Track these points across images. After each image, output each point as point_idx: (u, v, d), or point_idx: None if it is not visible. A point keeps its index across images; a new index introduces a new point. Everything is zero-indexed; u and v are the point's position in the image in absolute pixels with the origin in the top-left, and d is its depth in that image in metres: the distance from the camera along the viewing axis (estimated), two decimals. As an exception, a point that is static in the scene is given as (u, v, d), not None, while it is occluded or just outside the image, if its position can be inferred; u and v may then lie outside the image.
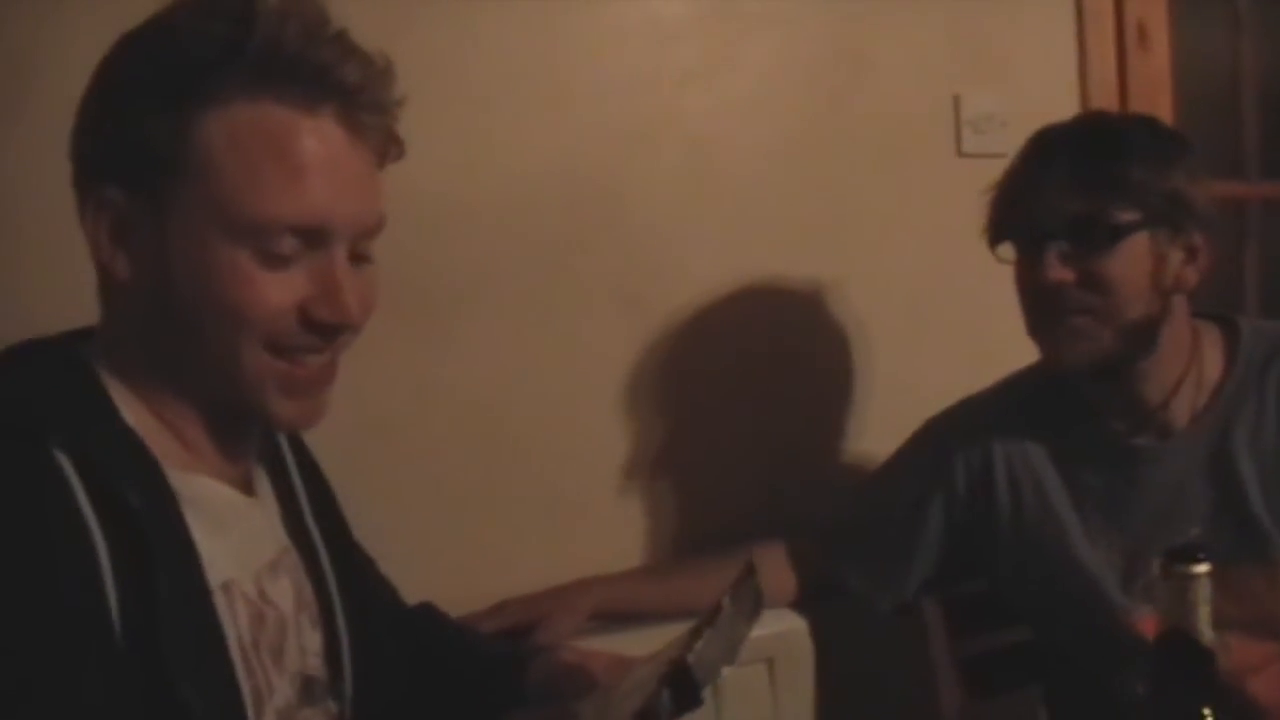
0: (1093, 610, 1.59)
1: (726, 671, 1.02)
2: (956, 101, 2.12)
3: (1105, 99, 2.21)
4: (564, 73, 1.82)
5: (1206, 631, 1.02)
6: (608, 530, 1.88)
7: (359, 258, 1.04)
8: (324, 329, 1.00)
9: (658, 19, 1.89)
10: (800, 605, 1.75)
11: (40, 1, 1.49)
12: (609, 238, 1.86)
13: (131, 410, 0.99)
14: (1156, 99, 2.25)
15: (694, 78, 1.91)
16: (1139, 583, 1.56)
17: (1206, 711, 1.03)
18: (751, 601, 1.09)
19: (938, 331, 2.10)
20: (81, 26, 1.47)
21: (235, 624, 1.00)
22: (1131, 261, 1.48)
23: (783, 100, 1.99)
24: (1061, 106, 2.14)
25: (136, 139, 0.95)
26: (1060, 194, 1.48)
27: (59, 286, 1.47)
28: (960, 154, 2.12)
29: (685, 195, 1.91)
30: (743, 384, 1.97)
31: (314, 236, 0.98)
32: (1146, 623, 1.54)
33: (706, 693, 0.98)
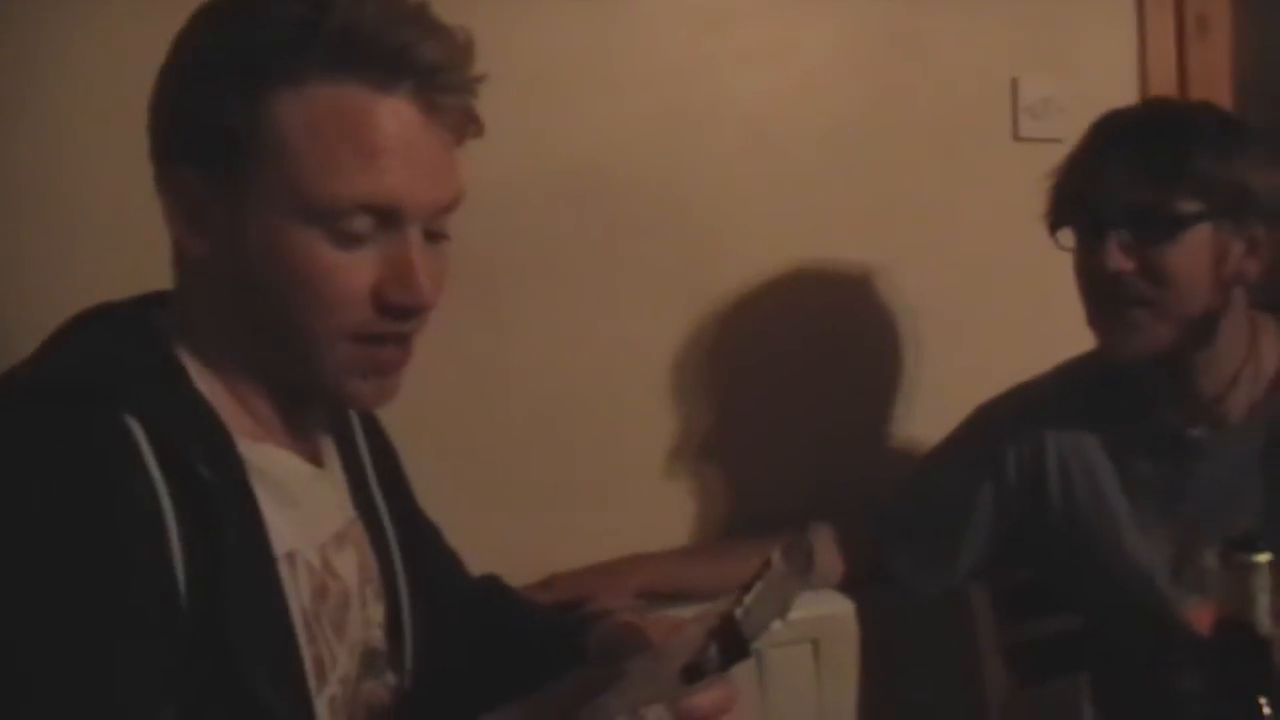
0: (1142, 600, 1.58)
1: (777, 625, 1.02)
2: (1014, 85, 2.10)
3: (1164, 87, 2.19)
4: (618, 56, 1.82)
5: (1265, 621, 1.01)
6: (656, 514, 1.89)
7: (435, 235, 1.03)
8: (399, 311, 0.99)
9: (712, 2, 1.89)
10: (847, 587, 1.75)
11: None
12: (661, 222, 1.86)
13: (203, 379, 1.00)
14: (1216, 88, 2.23)
15: (748, 61, 1.91)
16: (1189, 573, 1.55)
17: (1263, 701, 1.03)
18: (804, 559, 1.08)
19: (991, 317, 2.09)
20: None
21: (298, 594, 1.01)
22: (1193, 253, 1.47)
23: (838, 83, 1.98)
24: (1120, 92, 2.12)
25: (210, 120, 0.95)
26: (1123, 182, 1.47)
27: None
28: (1017, 138, 2.10)
29: (739, 179, 1.91)
30: (794, 368, 1.97)
31: (387, 216, 0.97)
32: (1196, 613, 1.53)
33: (756, 645, 0.99)
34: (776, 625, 1.01)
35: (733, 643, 0.97)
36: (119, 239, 1.51)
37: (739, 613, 0.97)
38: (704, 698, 0.98)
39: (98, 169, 1.51)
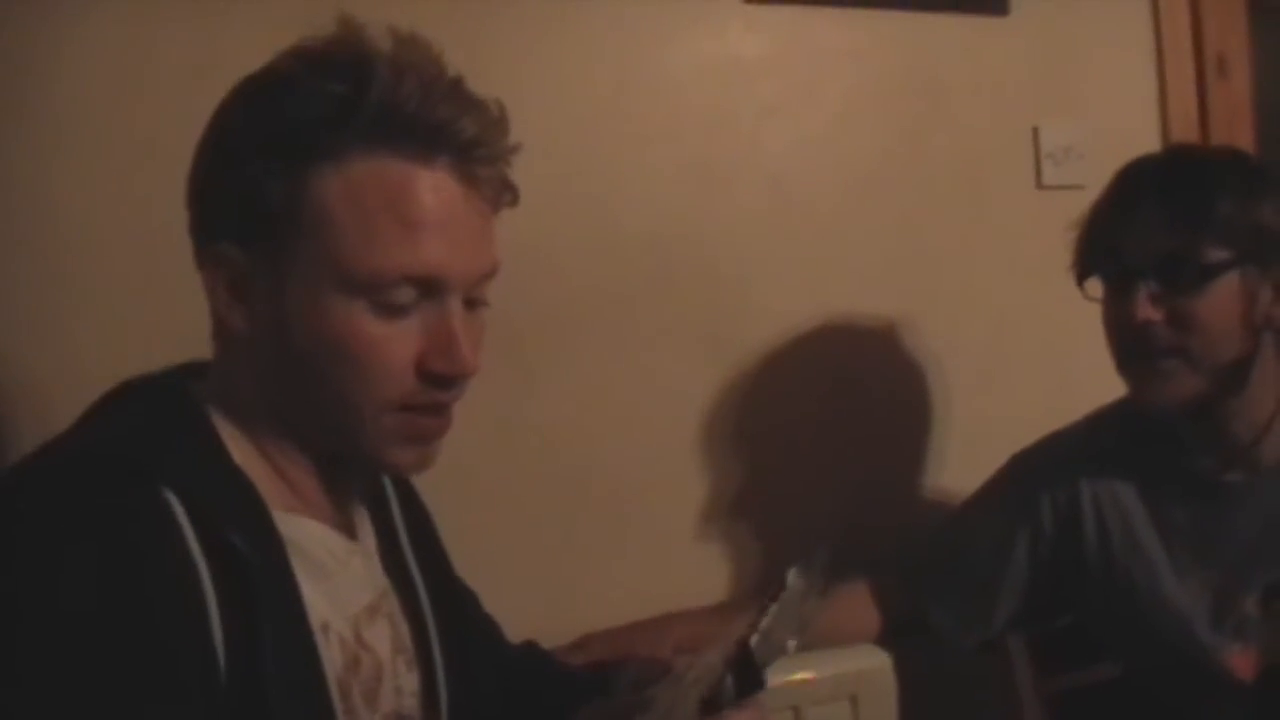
0: (1182, 647, 1.57)
1: (793, 645, 1.02)
2: (1035, 133, 2.11)
3: (1185, 130, 2.20)
4: (643, 111, 1.84)
5: (1308, 668, 1.01)
6: (689, 569, 1.89)
7: (474, 302, 1.05)
8: (442, 380, 1.01)
9: (735, 56, 1.91)
10: (884, 642, 1.74)
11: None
12: (688, 276, 1.87)
13: (240, 451, 1.01)
14: (1237, 129, 2.23)
15: (771, 114, 1.93)
16: (1229, 620, 1.54)
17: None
18: (820, 575, 1.08)
19: (1017, 366, 2.09)
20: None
21: (332, 666, 1.01)
22: (1222, 301, 1.46)
23: (861, 135, 2.00)
24: (1142, 137, 2.14)
25: (252, 197, 0.96)
26: (1149, 233, 1.47)
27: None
28: (1040, 186, 2.11)
29: (764, 232, 1.92)
30: (823, 420, 1.97)
31: (429, 287, 0.99)
32: (1237, 660, 1.52)
33: (769, 673, 0.99)
34: (792, 645, 1.01)
35: (747, 672, 0.97)
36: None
37: (754, 640, 0.98)
38: None
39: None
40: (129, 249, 1.54)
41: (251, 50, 1.01)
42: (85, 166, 1.53)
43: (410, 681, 1.14)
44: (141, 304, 1.53)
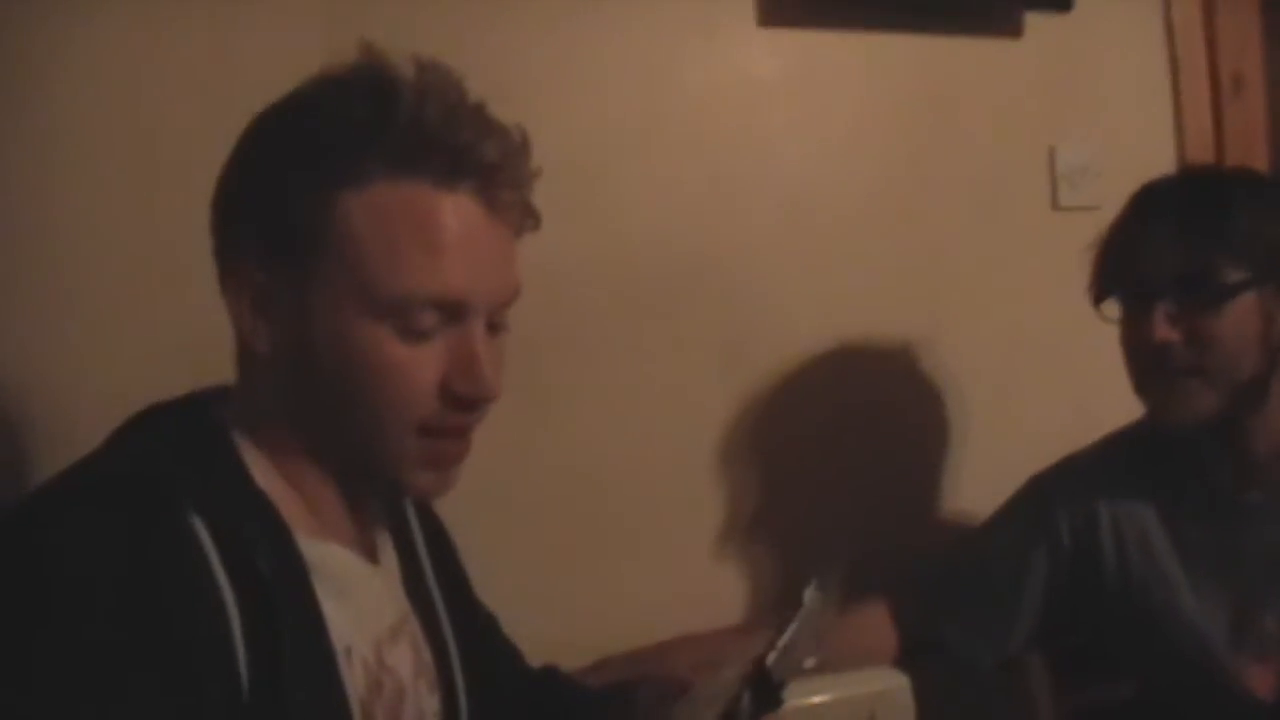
0: (1200, 666, 1.56)
1: (811, 663, 1.02)
2: (1052, 153, 2.11)
3: (1201, 149, 2.20)
4: (658, 130, 1.85)
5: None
6: (704, 585, 1.88)
7: (495, 327, 1.05)
8: (465, 403, 1.01)
9: (749, 75, 1.91)
10: (902, 662, 1.74)
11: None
12: (704, 294, 1.88)
13: (263, 474, 1.01)
14: (1252, 149, 2.24)
15: (789, 132, 1.93)
16: (1249, 639, 1.54)
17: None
18: (835, 589, 1.08)
19: (1033, 385, 2.09)
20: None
21: (355, 690, 1.01)
22: (1240, 320, 1.46)
23: (875, 154, 2.00)
24: (1157, 157, 2.14)
25: (277, 220, 0.98)
26: (1166, 253, 1.47)
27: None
28: (1056, 207, 2.11)
29: (779, 250, 1.92)
30: (839, 439, 1.97)
31: (453, 311, 0.99)
32: (1257, 679, 1.52)
33: (787, 691, 0.99)
34: (810, 663, 1.02)
35: (764, 691, 0.97)
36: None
37: (771, 658, 0.98)
38: None
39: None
40: (129, 250, 1.54)
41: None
42: (86, 167, 1.53)
43: (432, 704, 1.14)
44: (142, 306, 1.54)
